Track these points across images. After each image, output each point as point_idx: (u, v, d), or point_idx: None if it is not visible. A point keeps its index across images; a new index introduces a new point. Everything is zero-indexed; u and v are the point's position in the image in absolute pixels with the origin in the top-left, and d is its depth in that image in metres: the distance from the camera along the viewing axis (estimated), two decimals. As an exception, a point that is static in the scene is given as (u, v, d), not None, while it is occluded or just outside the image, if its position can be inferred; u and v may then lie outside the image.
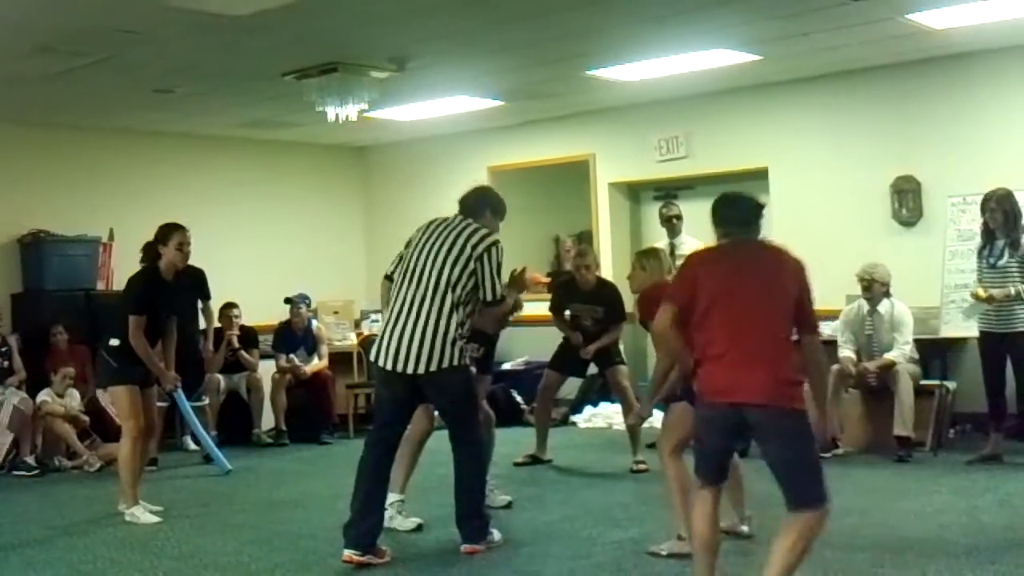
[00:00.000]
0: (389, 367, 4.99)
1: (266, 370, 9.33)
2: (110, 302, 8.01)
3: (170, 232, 6.29)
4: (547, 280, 9.04)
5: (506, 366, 9.73)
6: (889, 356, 7.31)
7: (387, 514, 5.29)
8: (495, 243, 5.10)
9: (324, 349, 9.60)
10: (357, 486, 5.05)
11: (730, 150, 9.20)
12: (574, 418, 9.48)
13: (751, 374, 3.79)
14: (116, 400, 6.41)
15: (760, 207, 4.14)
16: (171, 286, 6.35)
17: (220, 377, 9.10)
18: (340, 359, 9.96)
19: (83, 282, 9.26)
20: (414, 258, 5.12)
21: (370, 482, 5.04)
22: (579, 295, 7.58)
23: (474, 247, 5.03)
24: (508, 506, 6.12)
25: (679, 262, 7.65)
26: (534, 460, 7.57)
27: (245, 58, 7.22)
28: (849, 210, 8.60)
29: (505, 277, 5.31)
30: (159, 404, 6.95)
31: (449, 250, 5.04)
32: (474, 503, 5.18)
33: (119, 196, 9.75)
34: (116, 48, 6.77)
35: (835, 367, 7.27)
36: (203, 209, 9.70)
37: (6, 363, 8.46)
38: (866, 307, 7.48)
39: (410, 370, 4.95)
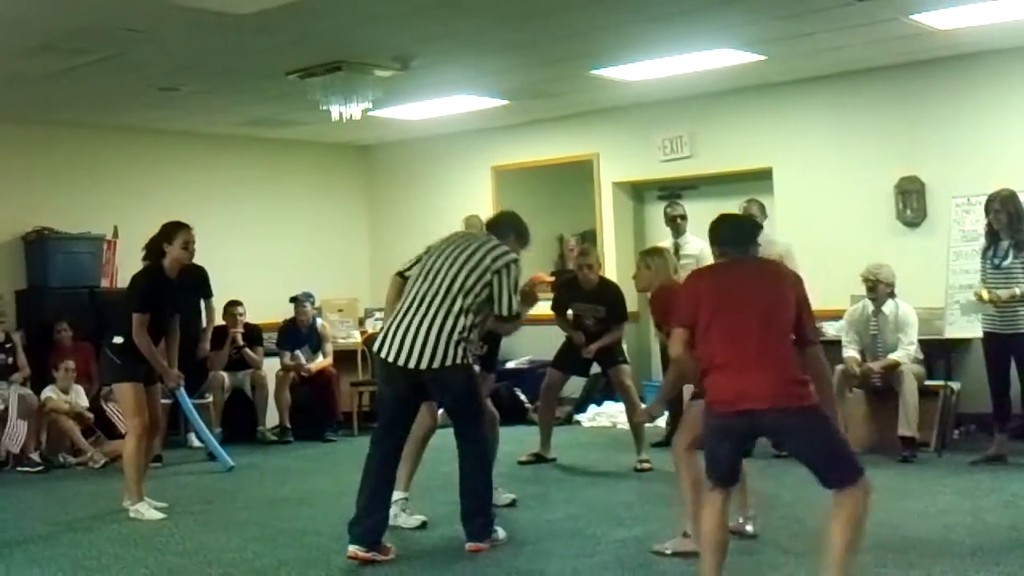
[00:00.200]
0: (391, 359, 5.00)
1: (270, 368, 9.35)
2: (114, 299, 8.03)
3: (175, 230, 6.30)
4: (551, 279, 9.04)
5: (510, 365, 9.75)
6: (893, 356, 7.31)
7: (391, 512, 5.28)
8: (514, 261, 5.18)
9: (328, 347, 9.61)
10: (363, 483, 5.06)
11: (734, 150, 9.20)
12: (578, 417, 9.49)
13: (757, 380, 3.84)
14: (121, 397, 6.42)
15: (758, 228, 4.37)
16: (175, 284, 6.36)
17: (224, 375, 9.12)
18: (344, 357, 9.98)
19: (87, 279, 9.27)
20: (432, 259, 5.18)
21: (376, 479, 5.06)
22: (581, 294, 7.59)
23: (494, 260, 5.11)
24: (512, 504, 6.13)
25: (683, 262, 7.77)
26: (538, 458, 7.58)
27: (249, 57, 7.23)
28: (853, 210, 8.60)
29: None
30: (163, 401, 6.95)
31: (468, 259, 5.11)
32: (479, 500, 5.18)
33: (123, 194, 9.76)
34: (119, 46, 6.77)
35: (839, 367, 7.26)
36: (207, 207, 9.71)
37: (10, 360, 8.47)
38: (870, 307, 7.47)
39: (412, 364, 4.97)
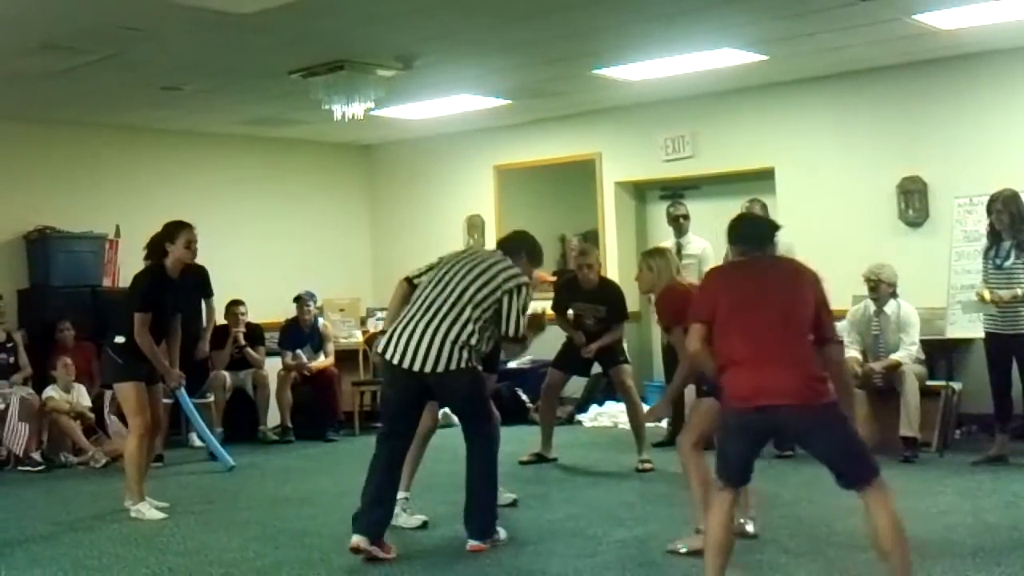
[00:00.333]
0: (396, 361, 5.01)
1: (272, 367, 9.35)
2: (116, 298, 8.03)
3: (178, 230, 6.30)
4: (553, 279, 9.05)
5: (511, 365, 9.73)
6: (895, 357, 7.30)
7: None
8: (525, 284, 5.21)
9: (330, 346, 9.62)
10: (369, 479, 5.08)
11: (736, 150, 9.20)
12: (579, 417, 9.50)
13: (777, 376, 3.85)
14: (122, 397, 6.41)
15: (776, 227, 4.43)
16: (176, 284, 6.36)
17: (226, 374, 9.12)
18: (346, 356, 9.98)
19: (89, 278, 9.28)
20: (445, 268, 5.22)
21: (382, 476, 5.08)
22: (581, 294, 7.58)
23: (505, 279, 5.14)
24: (513, 504, 6.11)
25: (686, 262, 7.77)
26: (539, 458, 7.57)
27: (251, 56, 7.23)
28: (855, 210, 8.59)
29: None
30: (164, 401, 6.95)
31: (481, 274, 5.14)
32: (483, 498, 5.19)
33: (125, 193, 9.77)
34: (120, 45, 6.77)
35: (841, 367, 7.26)
36: (209, 206, 9.72)
37: (12, 359, 8.48)
38: (872, 307, 7.47)
39: (416, 367, 4.98)
